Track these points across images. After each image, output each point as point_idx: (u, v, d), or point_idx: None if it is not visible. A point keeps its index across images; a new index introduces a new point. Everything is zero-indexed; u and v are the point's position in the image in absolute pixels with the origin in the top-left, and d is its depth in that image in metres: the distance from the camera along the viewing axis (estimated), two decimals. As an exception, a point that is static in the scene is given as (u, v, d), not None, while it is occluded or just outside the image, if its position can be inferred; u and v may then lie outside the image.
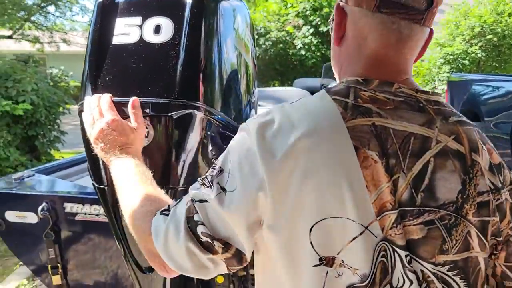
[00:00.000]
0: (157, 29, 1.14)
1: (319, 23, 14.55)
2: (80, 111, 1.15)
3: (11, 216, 1.93)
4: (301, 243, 0.70)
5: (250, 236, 0.72)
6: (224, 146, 1.26)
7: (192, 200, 0.75)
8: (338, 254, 0.69)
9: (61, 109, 6.59)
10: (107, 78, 1.14)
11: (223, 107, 1.21)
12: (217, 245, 0.72)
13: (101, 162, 1.14)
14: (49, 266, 1.92)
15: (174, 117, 1.09)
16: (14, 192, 1.94)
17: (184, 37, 1.13)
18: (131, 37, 1.14)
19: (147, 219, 0.80)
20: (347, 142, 0.69)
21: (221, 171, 0.74)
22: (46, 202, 1.83)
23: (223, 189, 0.72)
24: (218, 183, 0.73)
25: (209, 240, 0.72)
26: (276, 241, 0.72)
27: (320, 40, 14.73)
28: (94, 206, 1.82)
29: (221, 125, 1.21)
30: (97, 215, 1.82)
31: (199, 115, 1.13)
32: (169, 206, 0.80)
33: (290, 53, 15.02)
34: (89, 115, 1.06)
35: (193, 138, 1.15)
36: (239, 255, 0.74)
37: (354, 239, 0.69)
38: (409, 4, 0.74)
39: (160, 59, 1.12)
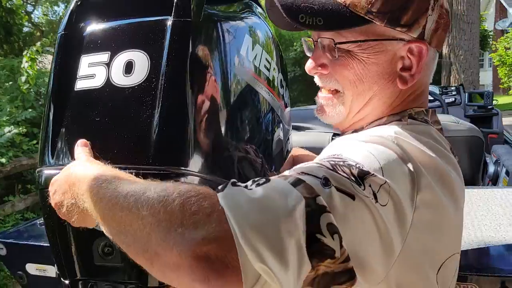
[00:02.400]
0: (129, 67, 0.84)
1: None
2: (39, 184, 0.88)
3: (32, 268, 1.76)
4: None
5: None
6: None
7: (320, 179, 0.55)
8: None
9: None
10: (67, 138, 0.86)
11: (219, 167, 0.88)
12: (339, 250, 0.52)
13: (61, 254, 0.86)
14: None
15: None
16: (30, 243, 1.76)
17: (162, 76, 0.82)
18: (96, 80, 0.85)
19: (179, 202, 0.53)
20: None
21: None
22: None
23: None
24: None
25: (332, 238, 0.52)
26: None
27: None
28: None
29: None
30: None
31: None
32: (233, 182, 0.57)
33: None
34: None
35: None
36: (350, 273, 0.54)
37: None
38: None
39: (130, 109, 0.82)
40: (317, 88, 0.87)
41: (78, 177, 0.67)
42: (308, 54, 0.82)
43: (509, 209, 1.85)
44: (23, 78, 5.07)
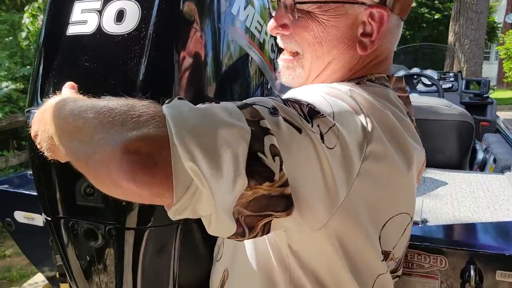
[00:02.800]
0: (120, 16, 0.85)
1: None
2: (27, 124, 0.90)
3: (20, 216, 1.80)
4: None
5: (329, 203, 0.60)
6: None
7: (268, 108, 0.56)
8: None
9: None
10: (56, 80, 0.88)
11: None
12: (278, 173, 0.53)
13: (45, 191, 0.90)
14: (57, 273, 1.78)
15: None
16: (19, 191, 1.80)
17: (151, 26, 0.83)
18: (88, 27, 0.87)
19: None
20: None
21: None
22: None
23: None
24: None
25: (273, 160, 0.52)
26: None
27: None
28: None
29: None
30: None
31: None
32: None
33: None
34: None
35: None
36: (287, 200, 0.55)
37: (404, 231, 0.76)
38: None
39: (119, 56, 0.84)
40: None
41: (49, 104, 0.68)
42: (273, 14, 0.82)
43: (489, 193, 1.90)
44: (23, 34, 5.04)
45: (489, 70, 21.08)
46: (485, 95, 3.91)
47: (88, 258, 0.93)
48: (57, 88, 0.87)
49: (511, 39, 14.44)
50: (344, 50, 0.75)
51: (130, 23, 0.85)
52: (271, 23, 0.80)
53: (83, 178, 0.85)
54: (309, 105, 0.60)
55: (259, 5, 1.11)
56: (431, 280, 1.21)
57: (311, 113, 0.59)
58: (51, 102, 0.68)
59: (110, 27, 0.85)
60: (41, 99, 0.89)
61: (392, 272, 0.78)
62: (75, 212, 0.89)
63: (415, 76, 3.97)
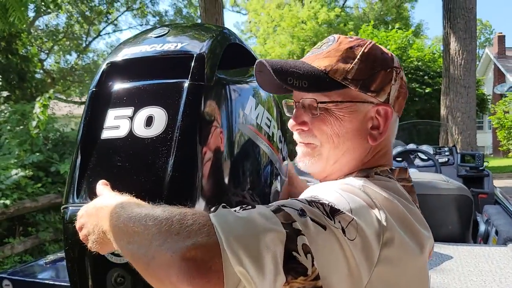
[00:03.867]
0: (149, 121, 0.98)
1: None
2: (64, 219, 1.00)
3: None
4: None
5: None
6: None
7: (297, 210, 0.66)
8: None
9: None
10: (91, 179, 0.99)
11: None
12: (310, 268, 0.62)
13: (78, 282, 0.97)
14: None
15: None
16: (35, 280, 1.84)
17: (177, 130, 0.96)
18: (120, 131, 0.99)
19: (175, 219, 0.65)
20: None
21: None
22: (67, 293, 1.70)
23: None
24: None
25: (305, 257, 0.62)
26: None
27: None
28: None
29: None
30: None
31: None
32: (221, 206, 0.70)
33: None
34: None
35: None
36: None
37: None
38: None
39: (148, 157, 0.96)
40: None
41: (104, 203, 0.79)
42: (288, 114, 0.95)
43: (494, 266, 1.94)
44: (34, 123, 5.26)
45: (485, 139, 21.48)
46: (480, 168, 4.04)
47: None
48: (92, 187, 0.98)
49: (501, 109, 14.90)
50: (358, 141, 0.87)
51: (158, 127, 0.97)
52: (291, 122, 0.92)
53: (114, 268, 0.93)
54: (330, 204, 0.70)
55: (266, 102, 1.25)
56: None
57: (332, 211, 0.69)
58: (108, 201, 0.79)
59: (141, 131, 0.98)
60: (77, 197, 0.99)
61: None
62: (105, 301, 0.96)
63: (411, 152, 4.13)
